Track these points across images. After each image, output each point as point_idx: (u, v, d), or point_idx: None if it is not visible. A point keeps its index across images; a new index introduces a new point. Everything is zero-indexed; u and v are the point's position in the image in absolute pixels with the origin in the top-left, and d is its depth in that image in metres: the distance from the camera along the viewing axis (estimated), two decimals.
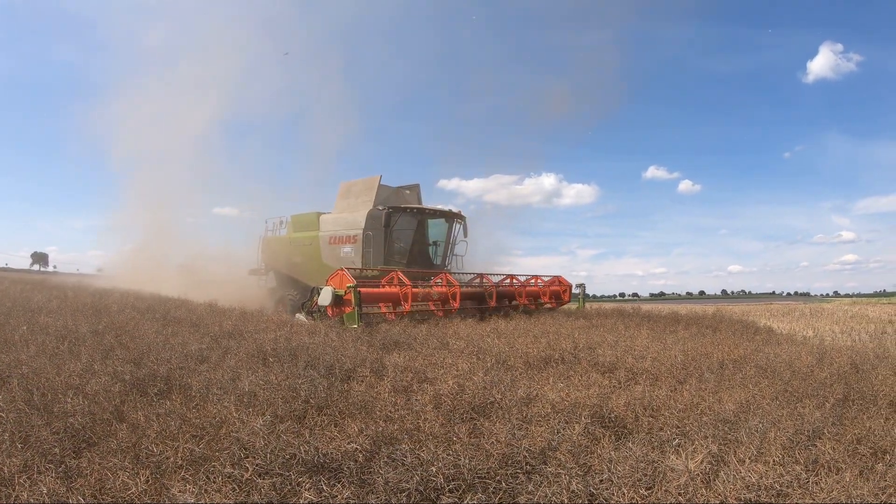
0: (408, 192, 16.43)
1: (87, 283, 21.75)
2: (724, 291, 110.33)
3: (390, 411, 4.20)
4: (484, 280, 13.32)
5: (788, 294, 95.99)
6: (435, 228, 15.71)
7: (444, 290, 11.56)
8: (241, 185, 30.64)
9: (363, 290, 10.19)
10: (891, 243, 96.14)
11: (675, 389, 5.09)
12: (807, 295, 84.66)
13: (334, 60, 43.46)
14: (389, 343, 7.41)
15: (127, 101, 33.41)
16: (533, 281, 14.59)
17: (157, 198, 27.47)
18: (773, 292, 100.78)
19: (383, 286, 11.12)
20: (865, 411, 4.60)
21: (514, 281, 13.92)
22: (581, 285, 15.76)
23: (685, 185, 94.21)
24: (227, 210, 38.01)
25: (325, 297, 10.09)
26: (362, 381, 5.16)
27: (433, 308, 11.44)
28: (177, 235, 25.54)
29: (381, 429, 3.75)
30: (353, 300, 9.67)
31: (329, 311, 10.18)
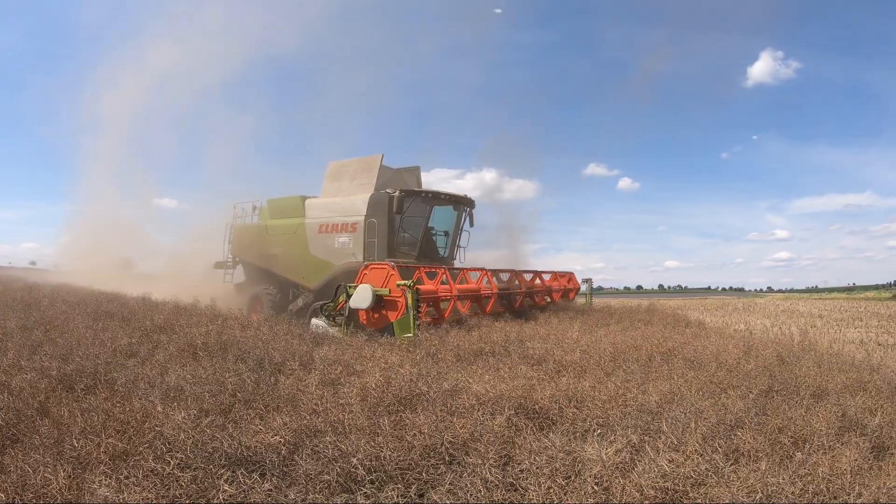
0: (408, 174, 14.25)
1: (22, 277, 20.80)
2: (661, 286, 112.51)
3: (316, 404, 4.20)
4: (516, 279, 12.20)
5: (724, 289, 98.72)
6: (437, 216, 13.48)
7: (479, 289, 10.31)
8: (183, 174, 29.68)
9: (423, 288, 8.25)
10: (823, 242, 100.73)
11: (601, 381, 5.14)
12: (742, 290, 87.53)
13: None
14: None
15: (61, 83, 31.98)
16: (549, 278, 13.89)
17: (97, 188, 26.45)
18: (709, 287, 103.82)
19: (419, 282, 8.95)
20: (788, 401, 4.65)
21: (539, 279, 13.23)
22: (588, 280, 15.46)
23: (624, 183, 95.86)
24: (166, 201, 37.11)
25: (361, 299, 8.06)
26: (291, 375, 5.12)
27: (462, 310, 10.02)
28: (116, 228, 24.57)
29: (305, 422, 3.76)
30: (406, 303, 7.67)
31: (362, 317, 8.26)
